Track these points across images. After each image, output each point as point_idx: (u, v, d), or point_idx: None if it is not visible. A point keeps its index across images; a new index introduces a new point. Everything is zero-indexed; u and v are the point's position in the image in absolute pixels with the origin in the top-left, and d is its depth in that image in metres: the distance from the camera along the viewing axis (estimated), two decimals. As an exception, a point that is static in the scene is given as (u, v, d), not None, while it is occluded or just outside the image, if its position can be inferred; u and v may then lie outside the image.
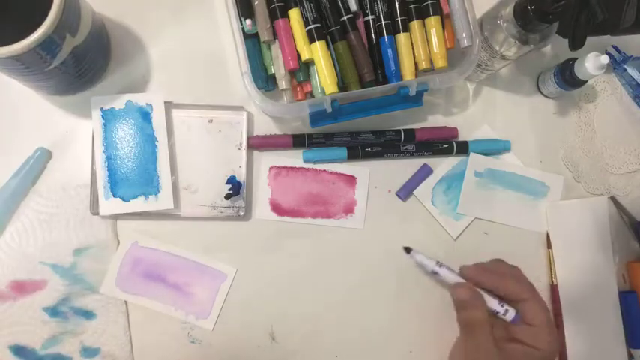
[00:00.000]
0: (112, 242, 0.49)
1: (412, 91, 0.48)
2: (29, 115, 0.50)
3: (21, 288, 0.48)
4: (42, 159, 0.49)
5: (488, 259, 0.55)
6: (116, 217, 0.49)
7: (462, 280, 0.46)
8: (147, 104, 0.49)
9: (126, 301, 0.49)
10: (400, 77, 0.50)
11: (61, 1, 0.37)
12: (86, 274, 0.48)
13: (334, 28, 0.48)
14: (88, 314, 0.48)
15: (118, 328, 0.49)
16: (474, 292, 0.45)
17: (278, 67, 0.48)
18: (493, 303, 0.45)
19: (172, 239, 0.50)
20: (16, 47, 0.36)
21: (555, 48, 0.58)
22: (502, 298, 0.46)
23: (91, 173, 0.49)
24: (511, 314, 0.45)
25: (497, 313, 0.45)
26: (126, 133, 0.49)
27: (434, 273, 0.47)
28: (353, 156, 0.53)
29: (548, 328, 0.44)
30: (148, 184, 0.49)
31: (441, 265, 0.47)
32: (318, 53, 0.47)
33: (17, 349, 0.47)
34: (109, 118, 0.49)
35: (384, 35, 0.49)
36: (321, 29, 0.47)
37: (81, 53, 0.43)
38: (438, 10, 0.49)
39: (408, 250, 0.48)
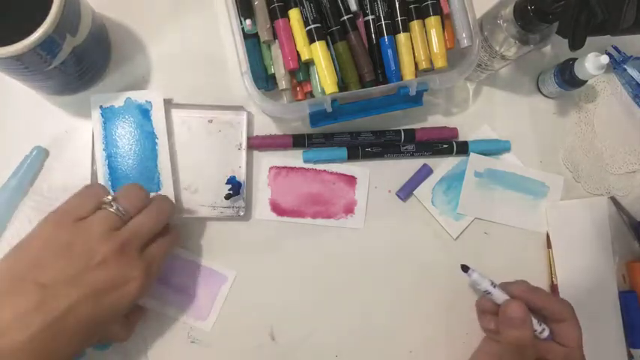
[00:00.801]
0: None
1: (412, 91, 0.48)
2: (29, 115, 0.50)
3: None
4: (38, 157, 0.49)
5: (488, 259, 0.55)
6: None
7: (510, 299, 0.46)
8: (146, 102, 0.49)
9: None
10: (400, 77, 0.50)
11: (61, 1, 0.37)
12: None
13: (334, 28, 0.48)
14: None
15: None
16: (527, 311, 0.44)
17: (278, 67, 0.48)
18: (534, 322, 0.45)
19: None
20: (16, 47, 0.36)
21: (555, 48, 0.58)
22: (543, 317, 0.46)
23: (92, 172, 0.49)
24: (545, 333, 0.45)
25: (535, 331, 0.45)
26: (126, 131, 0.49)
27: (487, 293, 0.47)
28: (353, 156, 0.53)
29: (581, 351, 0.45)
30: (148, 181, 0.49)
31: (495, 285, 0.47)
32: (318, 53, 0.47)
33: None
34: (108, 116, 0.49)
35: (384, 35, 0.49)
36: (321, 29, 0.47)
37: (81, 53, 0.43)
38: (438, 10, 0.49)
39: (465, 268, 0.47)
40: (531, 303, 0.46)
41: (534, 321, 0.46)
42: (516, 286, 0.47)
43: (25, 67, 0.40)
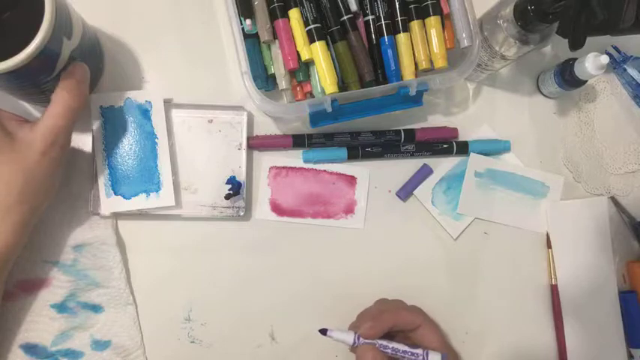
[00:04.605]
0: (111, 237, 0.49)
1: (412, 91, 0.48)
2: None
3: (27, 287, 0.48)
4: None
5: (488, 259, 0.55)
6: (116, 216, 0.49)
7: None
8: (146, 102, 0.49)
9: (132, 292, 0.49)
10: (400, 77, 0.50)
11: (52, 2, 0.36)
12: (88, 270, 0.48)
13: (334, 28, 0.48)
14: (95, 308, 0.48)
15: (126, 319, 0.49)
16: (377, 354, 0.44)
17: (278, 67, 0.48)
18: (404, 351, 0.45)
19: (172, 239, 0.51)
20: (15, 60, 0.35)
21: (555, 48, 0.58)
22: (402, 332, 0.47)
23: (92, 171, 0.49)
24: (419, 351, 0.45)
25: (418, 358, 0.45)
26: (126, 131, 0.49)
27: (355, 346, 0.45)
28: (353, 156, 0.53)
29: (446, 348, 0.46)
30: (148, 181, 0.49)
31: (359, 337, 0.45)
32: (318, 53, 0.47)
33: (28, 348, 0.47)
34: (108, 116, 0.49)
35: (384, 35, 0.49)
36: (321, 29, 0.47)
37: (79, 57, 0.43)
38: (438, 10, 0.49)
39: (323, 331, 0.45)
40: (384, 329, 0.46)
41: (403, 349, 0.45)
42: (363, 328, 0.46)
43: (28, 79, 0.39)
